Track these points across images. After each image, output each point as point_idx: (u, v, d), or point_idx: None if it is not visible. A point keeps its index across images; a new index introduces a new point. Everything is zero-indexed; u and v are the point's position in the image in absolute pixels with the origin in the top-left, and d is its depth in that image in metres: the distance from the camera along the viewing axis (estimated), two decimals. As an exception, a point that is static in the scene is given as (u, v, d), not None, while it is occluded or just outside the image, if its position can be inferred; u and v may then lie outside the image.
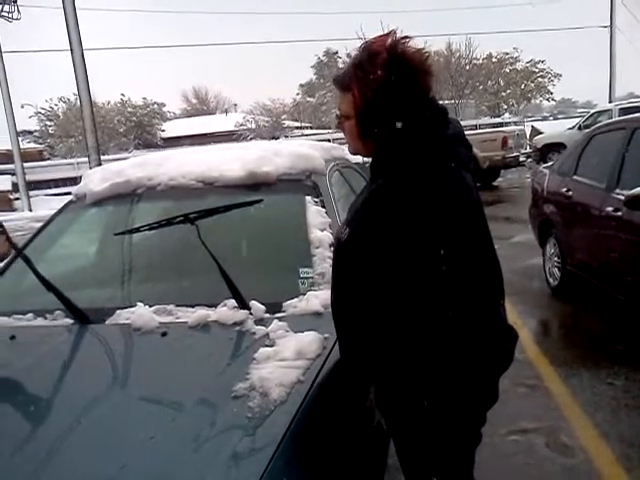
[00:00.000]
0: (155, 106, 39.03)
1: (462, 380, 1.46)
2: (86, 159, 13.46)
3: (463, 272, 1.43)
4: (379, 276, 1.43)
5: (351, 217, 1.52)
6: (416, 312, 1.43)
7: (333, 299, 1.56)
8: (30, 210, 18.01)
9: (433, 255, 1.39)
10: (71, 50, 12.42)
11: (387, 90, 1.44)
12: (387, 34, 1.48)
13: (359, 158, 3.60)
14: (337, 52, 42.18)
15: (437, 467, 1.56)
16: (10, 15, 18.44)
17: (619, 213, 4.08)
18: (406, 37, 1.48)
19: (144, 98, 38.10)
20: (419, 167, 1.42)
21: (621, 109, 15.26)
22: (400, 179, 1.42)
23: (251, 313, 1.96)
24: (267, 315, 1.96)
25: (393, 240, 1.39)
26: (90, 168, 9.34)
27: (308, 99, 43.86)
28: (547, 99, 38.66)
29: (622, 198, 3.97)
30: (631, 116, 5.22)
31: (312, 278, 2.14)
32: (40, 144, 34.17)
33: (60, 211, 2.85)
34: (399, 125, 1.46)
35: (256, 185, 2.48)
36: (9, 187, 19.61)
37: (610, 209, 4.23)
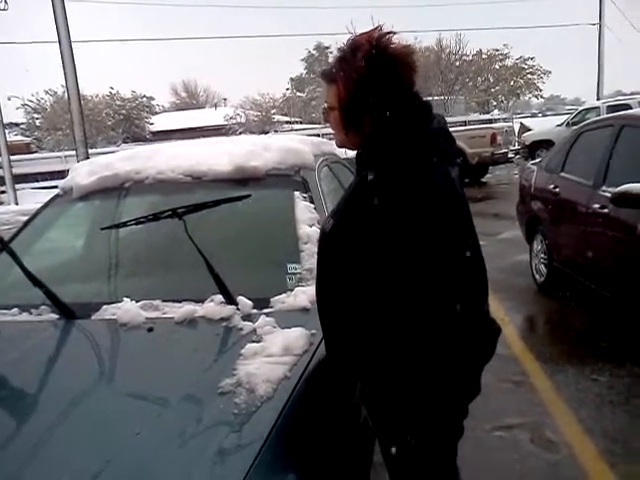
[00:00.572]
0: (144, 99, 38.76)
1: (445, 372, 1.47)
2: (74, 152, 13.39)
3: (445, 265, 1.44)
4: (362, 268, 1.44)
5: (335, 209, 1.54)
6: (398, 305, 1.44)
7: (317, 290, 1.57)
8: (16, 204, 17.85)
9: (414, 247, 1.41)
10: (59, 42, 12.32)
11: (369, 81, 1.46)
12: (374, 29, 1.50)
13: (349, 153, 3.61)
14: (329, 47, 42.08)
15: (420, 460, 1.57)
16: (-3, 6, 18.24)
17: (605, 210, 4.11)
18: (391, 32, 1.50)
19: (133, 91, 37.85)
20: (401, 160, 1.43)
21: (609, 107, 15.35)
22: (382, 171, 1.43)
23: (238, 309, 1.96)
24: (254, 311, 1.96)
25: (375, 232, 1.41)
26: (78, 161, 9.27)
27: (298, 94, 43.78)
28: (536, 96, 38.87)
29: (609, 195, 4.00)
30: (618, 114, 5.24)
31: (300, 274, 2.14)
32: (27, 137, 33.87)
33: (46, 205, 2.82)
34: (384, 117, 1.48)
35: (244, 180, 2.47)
36: (-5, 180, 19.43)
37: (597, 206, 4.26)
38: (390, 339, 1.46)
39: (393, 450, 1.60)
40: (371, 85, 1.47)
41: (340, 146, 1.68)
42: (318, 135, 15.74)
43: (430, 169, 1.45)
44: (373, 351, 1.49)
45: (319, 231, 1.59)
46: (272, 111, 37.63)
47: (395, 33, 1.50)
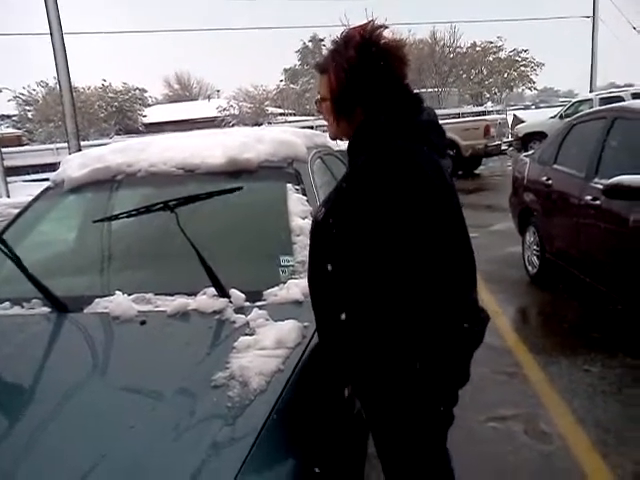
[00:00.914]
0: (137, 91, 38.52)
1: (433, 359, 1.48)
2: (66, 145, 13.30)
3: (430, 251, 1.46)
4: (353, 254, 1.46)
5: (327, 198, 1.59)
6: (387, 291, 1.45)
7: (309, 278, 1.59)
8: (8, 196, 17.72)
9: (401, 233, 1.43)
10: (50, 34, 12.21)
11: (359, 71, 1.50)
12: (367, 23, 1.54)
13: (341, 145, 3.60)
14: (323, 39, 41.86)
15: (412, 448, 1.59)
16: (-13, -3, 18.08)
17: (598, 202, 4.12)
18: (383, 26, 1.54)
19: (124, 83, 37.55)
20: (390, 148, 1.46)
21: (602, 99, 15.39)
22: (371, 160, 1.46)
23: (231, 301, 1.95)
24: (247, 303, 1.96)
25: (364, 218, 1.44)
26: (70, 154, 9.19)
27: (292, 86, 43.61)
28: (529, 88, 38.86)
29: (601, 187, 4.01)
30: (611, 106, 5.25)
31: (293, 266, 2.14)
32: (19, 129, 33.65)
33: (38, 197, 2.80)
34: (375, 107, 1.52)
35: (237, 172, 2.46)
36: (-13, 173, 19.28)
37: (589, 198, 4.27)
38: (379, 325, 1.47)
39: (385, 438, 1.62)
40: (362, 75, 1.50)
41: (333, 137, 1.70)
42: (311, 127, 15.70)
43: (418, 156, 1.47)
44: (363, 338, 1.50)
45: (311, 220, 1.61)
46: (265, 103, 37.45)
47: (387, 27, 1.54)
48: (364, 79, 1.51)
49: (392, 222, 1.42)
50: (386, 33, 1.53)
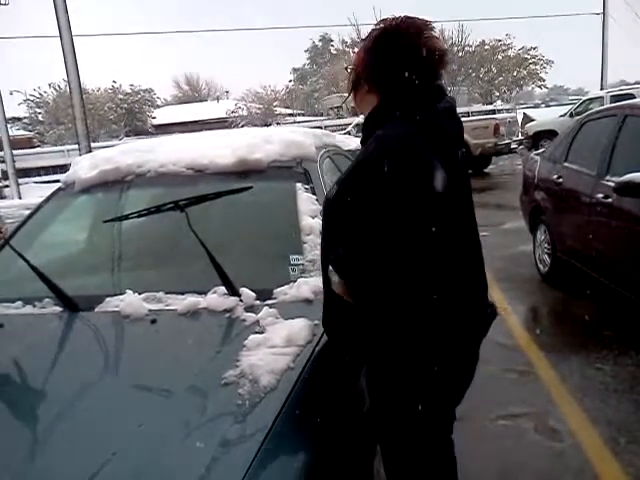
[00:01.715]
0: (145, 93, 38.63)
1: (439, 348, 1.50)
2: (76, 146, 13.38)
3: (440, 238, 1.46)
4: (363, 231, 1.46)
5: (338, 179, 1.63)
6: (394, 277, 1.45)
7: (323, 259, 1.60)
8: (20, 198, 17.89)
9: (408, 214, 1.43)
10: (60, 36, 12.28)
11: (379, 51, 1.56)
12: (400, 16, 1.60)
13: (351, 145, 3.60)
14: (332, 41, 41.80)
15: (415, 434, 1.61)
16: (-2, 0, 18.22)
17: (609, 200, 4.09)
18: (418, 21, 1.59)
19: (131, 85, 37.58)
20: (400, 133, 1.48)
21: (612, 96, 15.30)
22: (381, 143, 1.48)
23: (241, 300, 1.96)
24: (257, 302, 1.96)
25: (374, 198, 1.44)
26: (80, 155, 9.24)
27: (300, 86, 43.63)
28: (539, 86, 38.67)
29: (612, 185, 3.99)
30: (622, 103, 5.21)
31: (302, 265, 2.14)
32: (30, 131, 33.89)
33: (48, 198, 2.82)
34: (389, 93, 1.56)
35: (246, 172, 2.47)
36: (-2, 175, 19.46)
37: (600, 196, 4.24)
38: (387, 310, 1.49)
39: (388, 424, 1.65)
40: (381, 54, 1.55)
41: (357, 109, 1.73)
42: (320, 127, 15.69)
43: (425, 147, 1.48)
44: (373, 321, 1.51)
45: (324, 199, 1.63)
46: (274, 103, 37.48)
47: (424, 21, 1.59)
48: (383, 58, 1.55)
49: (399, 200, 1.42)
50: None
